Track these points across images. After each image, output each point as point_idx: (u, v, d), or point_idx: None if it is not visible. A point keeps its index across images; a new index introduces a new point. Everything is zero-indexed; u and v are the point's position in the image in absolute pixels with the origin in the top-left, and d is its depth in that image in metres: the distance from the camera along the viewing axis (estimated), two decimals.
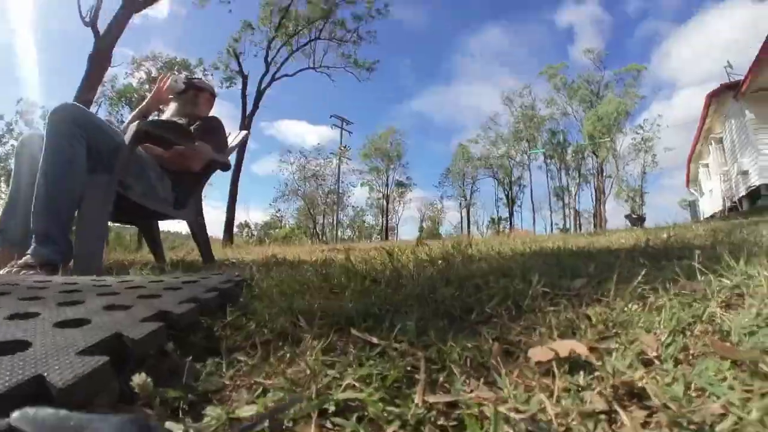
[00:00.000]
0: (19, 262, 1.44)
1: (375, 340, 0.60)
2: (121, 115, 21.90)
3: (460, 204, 37.49)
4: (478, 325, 0.70)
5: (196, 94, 2.39)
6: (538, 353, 0.46)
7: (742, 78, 9.76)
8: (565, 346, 0.45)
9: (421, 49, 56.94)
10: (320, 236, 30.72)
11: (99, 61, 9.70)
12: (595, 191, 31.01)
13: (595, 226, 27.60)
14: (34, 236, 1.50)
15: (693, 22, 47.42)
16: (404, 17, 52.39)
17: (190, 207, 2.31)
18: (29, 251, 1.47)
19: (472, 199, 37.09)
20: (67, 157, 1.56)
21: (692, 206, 16.66)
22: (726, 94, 11.07)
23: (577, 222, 32.67)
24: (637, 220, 13.09)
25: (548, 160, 33.93)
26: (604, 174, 30.67)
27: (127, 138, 1.79)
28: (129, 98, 21.69)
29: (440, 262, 1.52)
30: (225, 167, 2.39)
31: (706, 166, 15.01)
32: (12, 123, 23.14)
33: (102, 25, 10.21)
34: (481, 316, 0.75)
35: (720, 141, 12.73)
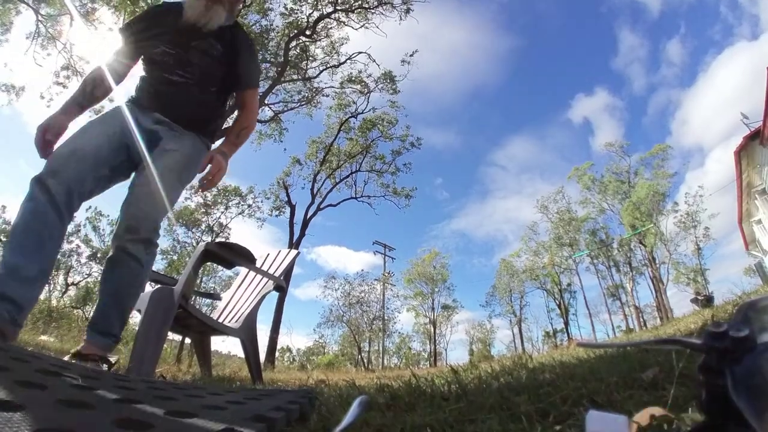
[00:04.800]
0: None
1: None
2: (176, 233, 24.24)
3: (510, 321, 35.70)
4: (558, 424, 0.71)
5: None
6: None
7: (761, 124, 9.73)
8: (644, 415, 0.47)
9: (454, 170, 60.90)
10: (366, 364, 29.30)
11: None
12: (652, 282, 29.02)
13: (660, 319, 25.22)
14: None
15: (700, 81, 47.75)
16: (435, 142, 57.22)
17: (244, 326, 2.40)
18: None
19: (523, 315, 35.34)
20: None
21: (759, 268, 15.08)
22: (752, 145, 10.95)
23: (640, 319, 30.00)
24: (704, 301, 11.90)
25: (595, 261, 32.67)
26: (657, 262, 29.02)
27: (193, 257, 1.99)
28: (185, 220, 24.02)
29: (502, 378, 1.49)
30: (280, 289, 2.53)
31: (759, 222, 14.13)
32: (80, 226, 26.20)
33: None
34: (559, 417, 0.76)
35: (764, 192, 12.20)
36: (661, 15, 47.30)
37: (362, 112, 19.28)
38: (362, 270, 43.87)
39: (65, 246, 25.55)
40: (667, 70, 49.18)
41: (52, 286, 24.93)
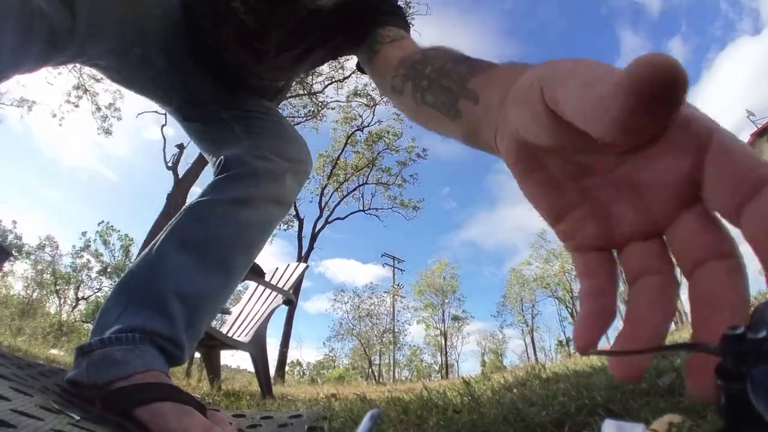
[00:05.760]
0: None
1: None
2: None
3: (522, 331, 35.04)
4: None
5: None
6: None
7: (767, 121, 9.71)
8: (661, 423, 0.46)
9: (461, 179, 60.26)
10: (376, 377, 28.96)
11: (176, 200, 11.22)
12: None
13: (675, 323, 24.73)
14: None
15: (704, 79, 47.11)
16: (441, 151, 56.95)
17: (253, 340, 2.40)
18: None
19: (535, 324, 34.70)
20: None
21: None
22: (759, 142, 10.93)
23: None
24: None
25: None
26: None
27: None
28: None
29: (515, 389, 1.47)
30: (290, 303, 2.53)
31: None
32: (90, 241, 26.03)
33: (181, 170, 12.53)
34: (574, 427, 0.74)
35: None
36: (661, 14, 47.27)
37: (368, 125, 19.43)
38: (371, 282, 43.56)
39: (76, 260, 25.67)
40: None
41: (62, 300, 25.13)
